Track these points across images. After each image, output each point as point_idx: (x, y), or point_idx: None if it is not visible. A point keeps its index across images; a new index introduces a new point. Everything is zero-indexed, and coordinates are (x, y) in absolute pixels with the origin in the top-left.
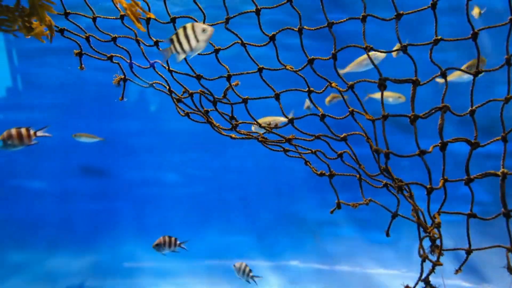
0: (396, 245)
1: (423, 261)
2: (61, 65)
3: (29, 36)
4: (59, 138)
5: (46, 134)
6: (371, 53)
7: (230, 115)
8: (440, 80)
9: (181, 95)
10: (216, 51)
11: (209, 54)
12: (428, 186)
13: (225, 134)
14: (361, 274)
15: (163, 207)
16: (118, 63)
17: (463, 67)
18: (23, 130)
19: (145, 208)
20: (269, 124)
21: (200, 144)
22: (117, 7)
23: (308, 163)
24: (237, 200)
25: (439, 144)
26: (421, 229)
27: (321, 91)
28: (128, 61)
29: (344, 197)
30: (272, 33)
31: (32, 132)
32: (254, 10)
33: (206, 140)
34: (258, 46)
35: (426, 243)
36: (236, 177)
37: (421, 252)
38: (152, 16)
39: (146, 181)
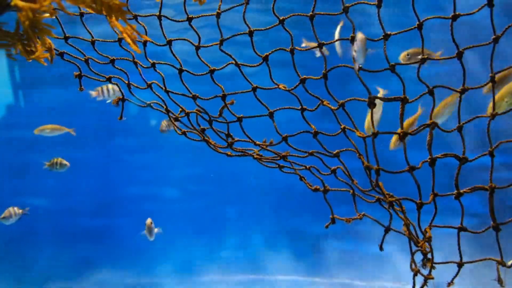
0: (396, 258)
1: (415, 275)
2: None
3: (30, 60)
4: (61, 155)
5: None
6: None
7: (226, 133)
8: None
9: (178, 114)
10: (211, 72)
11: (204, 74)
12: (418, 201)
13: (221, 152)
14: (361, 287)
15: (163, 223)
16: (117, 84)
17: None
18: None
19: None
20: (264, 141)
21: (200, 159)
22: (114, 31)
23: (303, 178)
24: (236, 214)
25: (428, 160)
26: (413, 243)
27: (313, 109)
28: (126, 82)
29: (344, 209)
30: (265, 54)
31: None
32: (247, 32)
33: (206, 156)
34: (252, 66)
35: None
36: (236, 192)
37: (413, 266)
38: (149, 39)
39: (146, 197)
